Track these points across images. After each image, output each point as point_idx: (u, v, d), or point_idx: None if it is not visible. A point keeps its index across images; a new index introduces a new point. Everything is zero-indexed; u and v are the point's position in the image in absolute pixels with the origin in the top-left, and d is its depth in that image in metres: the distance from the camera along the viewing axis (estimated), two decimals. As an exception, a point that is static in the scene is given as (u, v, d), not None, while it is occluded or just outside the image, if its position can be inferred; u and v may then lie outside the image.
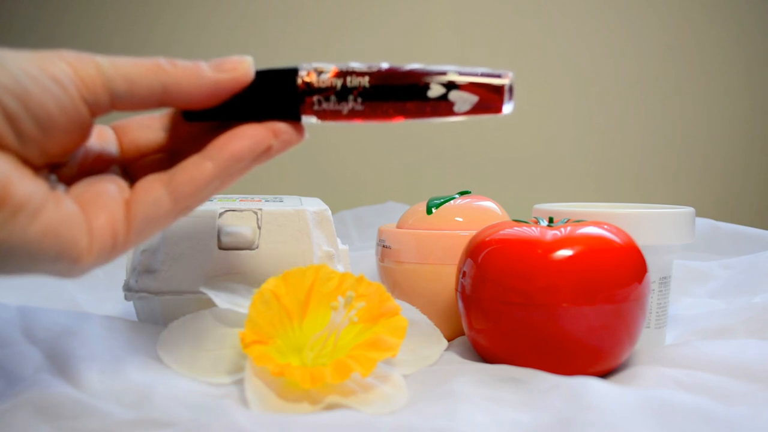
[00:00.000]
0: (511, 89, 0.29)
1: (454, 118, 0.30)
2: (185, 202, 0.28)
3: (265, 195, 0.51)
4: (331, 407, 0.30)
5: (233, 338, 0.35)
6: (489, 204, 0.47)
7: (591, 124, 1.19)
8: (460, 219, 0.45)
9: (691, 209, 0.43)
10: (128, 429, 0.27)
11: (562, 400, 0.30)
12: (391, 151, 1.19)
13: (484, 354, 0.38)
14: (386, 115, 0.30)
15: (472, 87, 0.29)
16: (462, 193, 0.48)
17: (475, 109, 0.29)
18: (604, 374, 0.36)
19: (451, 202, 0.46)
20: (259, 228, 0.41)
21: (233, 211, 0.41)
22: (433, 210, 0.46)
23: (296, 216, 0.42)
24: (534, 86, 1.17)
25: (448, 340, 0.42)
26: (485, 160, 1.19)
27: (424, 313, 0.40)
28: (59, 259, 0.25)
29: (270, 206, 0.42)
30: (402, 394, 0.32)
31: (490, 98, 0.29)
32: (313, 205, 0.44)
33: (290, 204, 0.43)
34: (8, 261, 0.24)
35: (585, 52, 1.18)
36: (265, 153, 0.29)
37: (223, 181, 0.28)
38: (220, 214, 0.41)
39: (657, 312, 0.42)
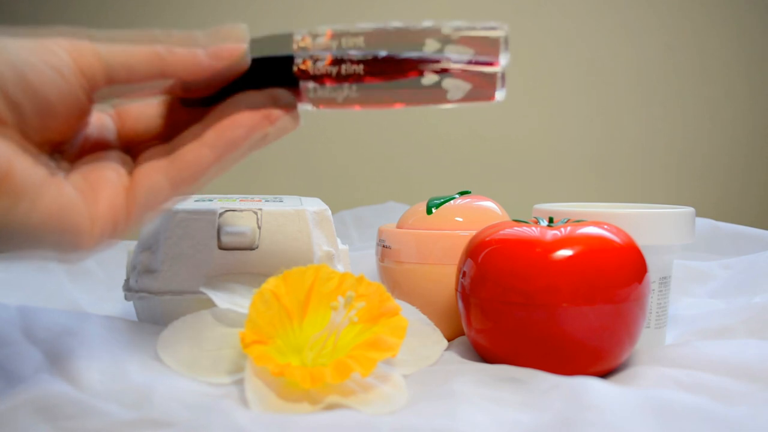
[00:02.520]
0: (503, 77, 0.29)
1: (448, 105, 0.30)
2: (184, 188, 0.29)
3: (265, 195, 0.51)
4: (331, 407, 0.30)
5: (233, 338, 0.35)
6: (489, 204, 0.47)
7: (591, 124, 1.19)
8: (460, 219, 0.45)
9: (691, 209, 0.43)
10: (128, 429, 0.27)
11: (562, 400, 0.30)
12: (391, 151, 1.18)
13: (484, 354, 0.38)
14: (381, 102, 0.30)
15: (465, 75, 0.29)
16: (462, 193, 0.48)
17: (469, 97, 0.29)
18: (604, 374, 0.36)
19: (451, 202, 0.46)
20: (259, 228, 0.41)
21: (233, 211, 0.41)
22: (433, 210, 0.46)
23: (296, 216, 0.42)
24: (534, 86, 1.17)
25: (448, 340, 0.42)
26: (485, 160, 1.19)
27: (424, 313, 0.40)
28: (60, 242, 0.26)
29: (270, 206, 0.42)
30: (402, 394, 0.32)
31: (483, 86, 0.29)
32: (313, 205, 0.44)
33: (290, 204, 0.43)
34: (10, 243, 0.25)
35: (585, 52, 1.18)
36: (262, 140, 0.30)
37: (221, 167, 0.29)
38: (220, 214, 0.41)
39: (657, 312, 0.42)
